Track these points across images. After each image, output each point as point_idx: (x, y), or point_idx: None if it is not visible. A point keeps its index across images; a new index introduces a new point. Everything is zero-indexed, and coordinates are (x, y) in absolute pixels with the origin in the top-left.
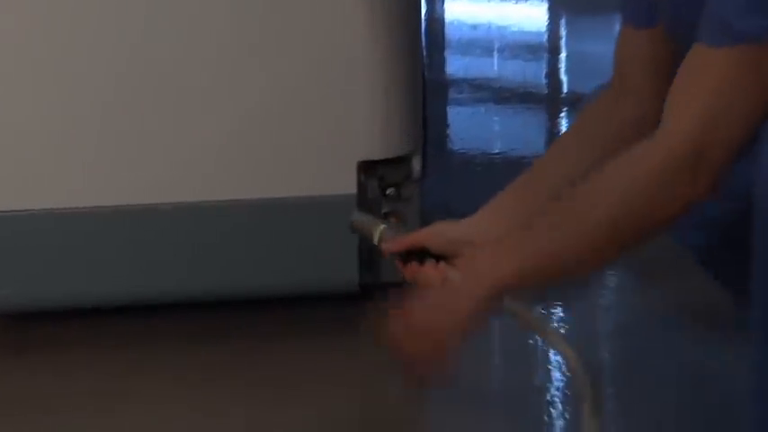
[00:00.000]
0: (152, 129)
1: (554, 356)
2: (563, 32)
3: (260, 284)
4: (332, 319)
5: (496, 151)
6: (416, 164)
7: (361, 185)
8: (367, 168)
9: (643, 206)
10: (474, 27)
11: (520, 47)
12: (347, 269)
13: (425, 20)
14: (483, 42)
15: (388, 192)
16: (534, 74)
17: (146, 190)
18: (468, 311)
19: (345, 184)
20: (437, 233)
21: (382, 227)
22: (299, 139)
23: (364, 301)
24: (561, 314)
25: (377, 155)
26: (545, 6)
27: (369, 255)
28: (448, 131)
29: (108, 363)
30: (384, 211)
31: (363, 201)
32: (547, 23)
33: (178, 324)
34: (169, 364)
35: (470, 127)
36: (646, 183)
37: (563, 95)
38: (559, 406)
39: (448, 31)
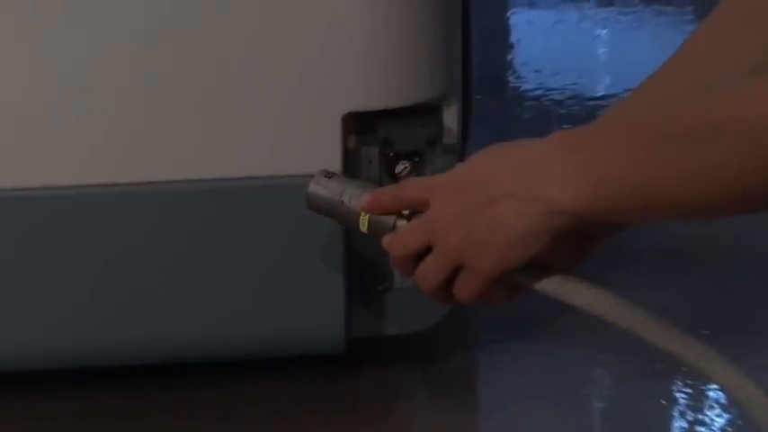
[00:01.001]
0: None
1: None
2: None
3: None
4: (314, 395)
5: (601, 94)
6: (450, 119)
7: (348, 154)
8: (360, 125)
9: None
10: None
11: None
12: (329, 318)
13: None
14: None
15: (399, 169)
16: None
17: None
18: (517, 237)
19: (319, 154)
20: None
21: None
22: (248, 84)
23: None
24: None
25: (375, 103)
26: None
27: (362, 291)
28: (511, 59)
29: None
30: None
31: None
32: None
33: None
34: None
35: (552, 50)
36: None
37: None
38: None
39: None
